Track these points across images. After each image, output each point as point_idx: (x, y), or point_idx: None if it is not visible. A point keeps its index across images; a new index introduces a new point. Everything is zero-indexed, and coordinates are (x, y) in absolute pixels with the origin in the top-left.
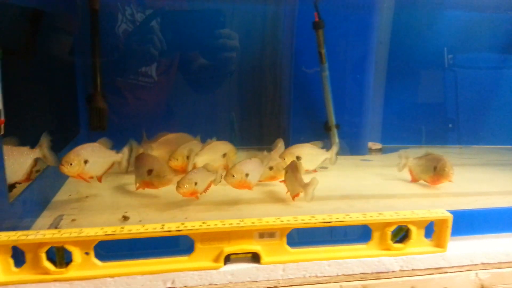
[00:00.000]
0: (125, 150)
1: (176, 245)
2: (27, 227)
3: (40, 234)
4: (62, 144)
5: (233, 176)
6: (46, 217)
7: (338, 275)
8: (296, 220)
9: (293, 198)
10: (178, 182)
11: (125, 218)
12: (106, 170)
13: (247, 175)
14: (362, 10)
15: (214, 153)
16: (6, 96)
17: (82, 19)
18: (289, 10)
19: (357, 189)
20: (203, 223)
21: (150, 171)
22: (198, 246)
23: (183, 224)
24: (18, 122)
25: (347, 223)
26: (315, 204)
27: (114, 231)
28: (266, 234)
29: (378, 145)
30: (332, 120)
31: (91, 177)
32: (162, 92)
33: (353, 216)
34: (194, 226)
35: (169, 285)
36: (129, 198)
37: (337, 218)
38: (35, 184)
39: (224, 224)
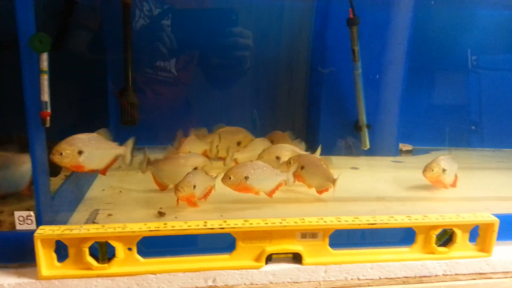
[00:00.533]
0: (129, 142)
1: (217, 243)
2: (65, 221)
3: (84, 228)
4: None
5: (230, 178)
6: (82, 212)
7: (380, 278)
8: (339, 221)
9: (320, 193)
10: (177, 185)
11: (161, 214)
12: (109, 163)
13: (246, 178)
14: (397, 7)
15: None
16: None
17: (113, 13)
18: (322, 6)
19: (392, 190)
20: (245, 221)
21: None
22: (239, 244)
23: (225, 221)
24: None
25: (392, 225)
26: (351, 205)
27: (158, 227)
28: (308, 234)
29: (409, 147)
30: (363, 119)
31: (92, 170)
32: (183, 88)
33: (398, 219)
34: (236, 224)
35: (210, 283)
36: (162, 193)
37: (382, 220)
38: (71, 178)
39: (266, 223)
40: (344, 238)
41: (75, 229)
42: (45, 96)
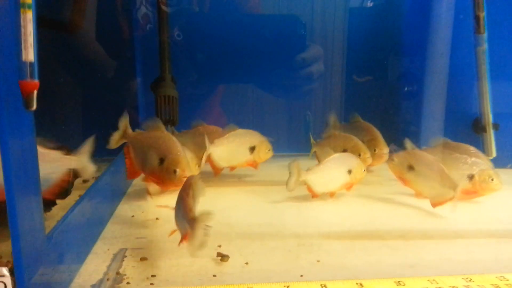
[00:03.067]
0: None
1: None
2: (71, 274)
3: None
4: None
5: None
6: (100, 254)
7: None
8: None
9: (435, 206)
10: None
11: (223, 258)
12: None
13: None
14: None
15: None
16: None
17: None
18: None
19: None
20: (398, 283)
21: (161, 160)
22: None
23: (361, 285)
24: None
25: None
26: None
27: None
28: None
29: None
30: (489, 116)
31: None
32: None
33: None
34: None
35: None
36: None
37: None
38: (84, 200)
39: None
40: None
41: None
42: (29, 53)
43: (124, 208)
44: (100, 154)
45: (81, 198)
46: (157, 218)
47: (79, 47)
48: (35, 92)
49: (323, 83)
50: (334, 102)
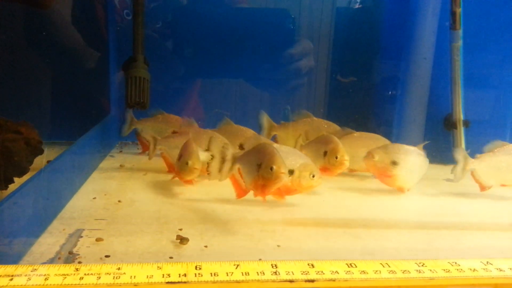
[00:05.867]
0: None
1: None
2: (20, 253)
3: (38, 275)
4: (88, 126)
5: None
6: (55, 234)
7: None
8: None
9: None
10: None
11: (182, 240)
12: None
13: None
14: None
15: None
16: None
17: None
18: None
19: None
20: (350, 265)
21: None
22: None
23: (312, 266)
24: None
25: None
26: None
27: (185, 274)
28: None
29: None
30: (460, 113)
31: None
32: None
33: None
34: (336, 272)
35: None
36: (179, 206)
37: None
38: (40, 177)
39: (392, 272)
40: None
41: (21, 275)
42: None
43: (87, 190)
44: (63, 136)
45: (35, 175)
46: (119, 201)
47: (52, 25)
48: None
49: (308, 80)
50: (318, 99)
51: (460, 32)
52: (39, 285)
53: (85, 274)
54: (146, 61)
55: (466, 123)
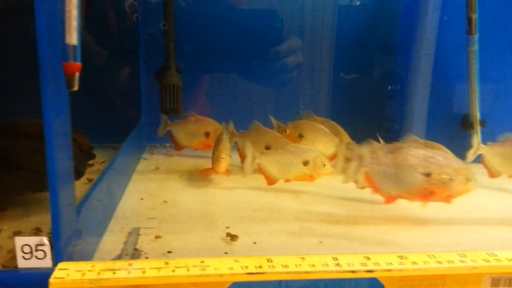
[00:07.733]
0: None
1: None
2: (92, 251)
3: (135, 269)
4: (123, 134)
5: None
6: (116, 232)
7: None
8: None
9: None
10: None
11: (233, 238)
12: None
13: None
14: None
15: None
16: None
17: None
18: None
19: None
20: (401, 257)
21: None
22: None
23: (368, 258)
24: None
25: None
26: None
27: (260, 266)
28: (503, 280)
29: None
30: (476, 113)
31: None
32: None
33: None
34: (390, 263)
35: None
36: (220, 205)
37: None
38: (101, 182)
39: (440, 263)
40: None
41: (121, 269)
42: (73, 36)
43: (132, 191)
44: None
45: (101, 176)
46: (165, 201)
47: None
48: (77, 74)
49: (310, 78)
50: (322, 97)
51: (476, 37)
52: (139, 277)
53: (175, 267)
54: (178, 69)
55: (482, 123)
